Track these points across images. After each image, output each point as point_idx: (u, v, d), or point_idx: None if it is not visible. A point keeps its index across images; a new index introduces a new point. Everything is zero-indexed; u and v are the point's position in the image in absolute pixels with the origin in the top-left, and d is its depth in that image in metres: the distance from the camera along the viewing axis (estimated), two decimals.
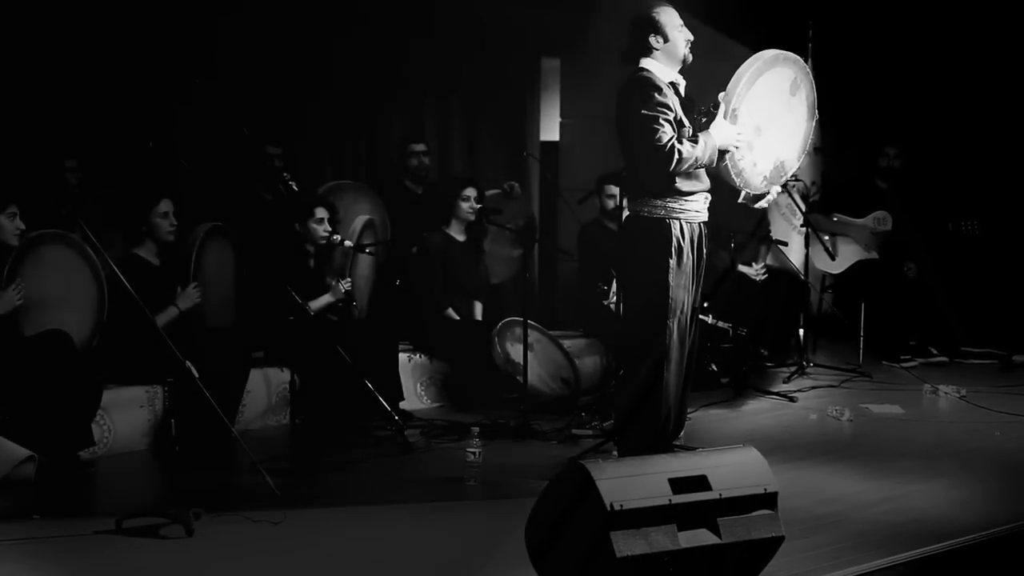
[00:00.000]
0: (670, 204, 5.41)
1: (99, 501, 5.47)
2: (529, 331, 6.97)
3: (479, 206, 7.86)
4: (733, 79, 5.40)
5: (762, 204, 5.78)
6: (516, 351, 7.13)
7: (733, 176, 5.49)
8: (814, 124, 5.74)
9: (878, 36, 9.90)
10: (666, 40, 5.45)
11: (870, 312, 8.95)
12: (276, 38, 7.88)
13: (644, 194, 5.45)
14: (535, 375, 7.12)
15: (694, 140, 5.32)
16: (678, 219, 5.41)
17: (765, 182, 5.62)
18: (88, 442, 5.88)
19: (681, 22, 5.48)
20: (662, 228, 5.40)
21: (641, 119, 5.30)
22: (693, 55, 5.51)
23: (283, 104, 8.10)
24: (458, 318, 7.70)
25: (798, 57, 5.59)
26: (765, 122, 5.50)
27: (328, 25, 8.17)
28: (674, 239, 5.39)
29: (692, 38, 5.49)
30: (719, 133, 5.35)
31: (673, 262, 5.38)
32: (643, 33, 5.46)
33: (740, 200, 5.73)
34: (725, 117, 5.37)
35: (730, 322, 7.91)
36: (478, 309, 7.89)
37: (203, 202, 7.07)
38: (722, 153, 5.38)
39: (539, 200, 9.63)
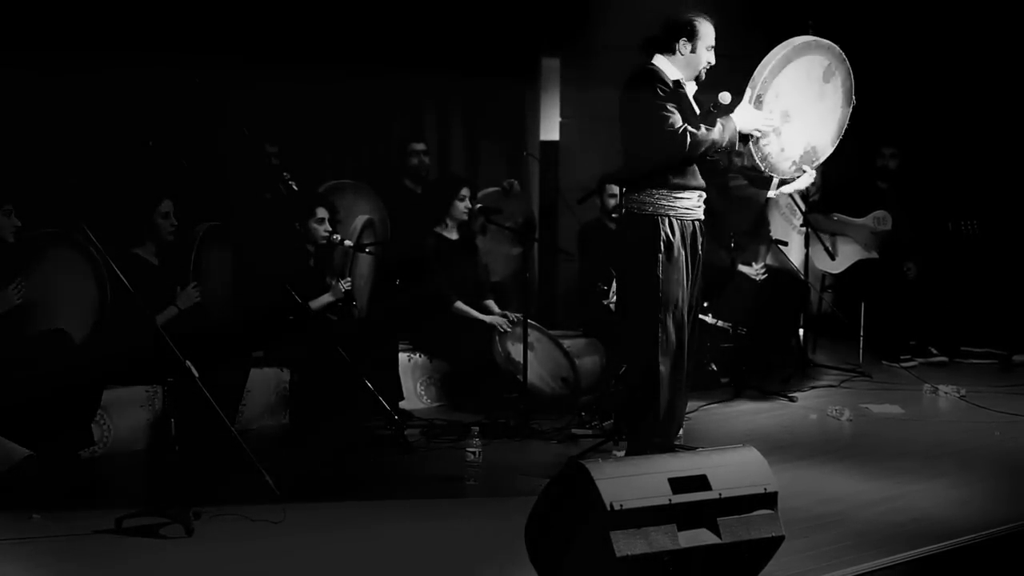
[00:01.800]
0: (660, 200, 5.43)
1: (99, 501, 5.46)
2: (529, 330, 6.97)
3: (479, 206, 7.86)
4: (760, 66, 5.40)
5: (795, 187, 5.77)
6: (517, 350, 7.13)
7: (758, 162, 5.48)
8: (850, 110, 5.72)
9: (878, 36, 9.89)
10: (692, 51, 5.47)
11: (870, 312, 8.96)
12: (276, 37, 7.87)
13: (635, 189, 5.48)
14: (535, 374, 7.12)
15: (710, 125, 5.34)
16: (667, 215, 5.43)
17: (794, 166, 5.63)
18: (88, 442, 5.88)
19: (713, 43, 5.50)
20: (651, 223, 5.42)
21: (649, 108, 5.32)
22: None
23: (283, 103, 8.09)
24: (469, 309, 7.65)
25: (833, 44, 5.58)
26: (794, 108, 5.50)
27: (328, 25, 8.16)
28: (663, 234, 5.41)
29: (714, 63, 5.50)
30: (741, 117, 5.36)
31: (663, 256, 5.40)
32: (676, 34, 5.48)
33: (771, 192, 5.73)
34: (750, 103, 5.38)
35: (730, 322, 7.92)
36: (493, 305, 7.84)
37: (202, 202, 7.07)
38: (745, 138, 5.39)
39: (539, 199, 9.63)
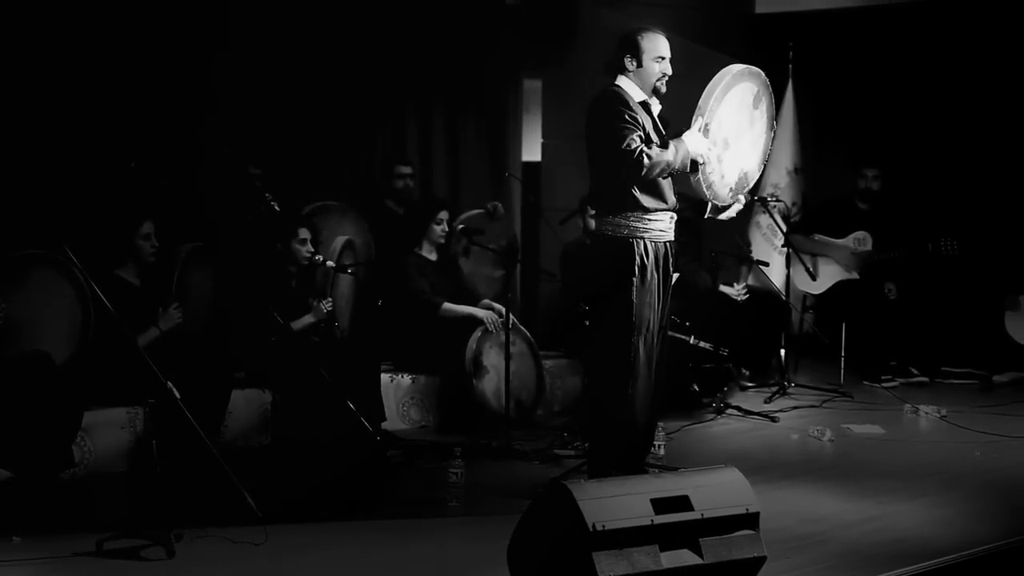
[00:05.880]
0: (633, 223, 5.44)
1: (79, 522, 5.43)
2: (517, 341, 6.95)
3: (461, 227, 7.86)
4: (705, 94, 5.43)
5: (729, 214, 5.80)
6: (491, 356, 7.12)
7: (704, 189, 5.52)
8: (772, 136, 5.78)
9: (858, 57, 9.97)
10: (639, 65, 5.51)
11: (851, 332, 8.97)
12: (260, 59, 7.87)
13: (608, 212, 5.49)
14: (492, 386, 7.16)
15: (664, 146, 5.36)
16: (642, 238, 5.45)
17: (731, 193, 5.67)
18: (68, 463, 5.86)
19: (663, 54, 5.52)
20: (626, 247, 5.44)
21: (610, 129, 5.35)
22: (674, 75, 5.55)
23: (265, 125, 8.09)
24: (458, 307, 7.63)
25: (759, 71, 5.64)
26: (733, 136, 5.54)
27: (311, 47, 8.17)
28: (638, 257, 5.42)
29: (670, 73, 5.53)
30: (692, 141, 5.38)
31: (637, 280, 5.42)
32: (621, 51, 5.53)
33: (707, 215, 5.75)
34: (699, 130, 5.41)
35: (712, 342, 7.93)
36: (492, 304, 7.80)
37: (184, 223, 7.06)
38: (695, 165, 5.41)
39: (521, 220, 9.63)
